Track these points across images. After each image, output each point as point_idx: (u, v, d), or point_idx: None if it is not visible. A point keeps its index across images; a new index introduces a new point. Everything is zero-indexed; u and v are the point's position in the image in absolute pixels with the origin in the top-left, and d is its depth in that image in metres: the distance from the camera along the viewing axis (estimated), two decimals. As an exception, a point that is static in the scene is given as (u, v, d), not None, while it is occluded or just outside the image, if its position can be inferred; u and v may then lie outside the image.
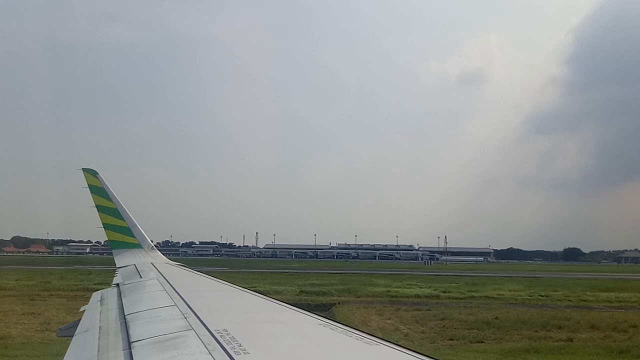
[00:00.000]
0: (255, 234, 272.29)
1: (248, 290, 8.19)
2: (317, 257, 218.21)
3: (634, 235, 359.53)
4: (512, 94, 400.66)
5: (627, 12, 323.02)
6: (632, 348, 25.70)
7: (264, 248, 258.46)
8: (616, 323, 33.66)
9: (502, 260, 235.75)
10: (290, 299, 39.18)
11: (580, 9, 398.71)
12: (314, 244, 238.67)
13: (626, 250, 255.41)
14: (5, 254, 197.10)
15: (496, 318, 34.95)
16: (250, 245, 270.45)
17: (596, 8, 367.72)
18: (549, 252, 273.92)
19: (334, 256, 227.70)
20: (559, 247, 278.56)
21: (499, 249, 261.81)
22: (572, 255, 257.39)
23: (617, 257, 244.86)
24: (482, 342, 28.35)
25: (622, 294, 53.08)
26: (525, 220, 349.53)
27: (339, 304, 42.42)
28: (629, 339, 29.27)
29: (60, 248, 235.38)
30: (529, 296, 50.72)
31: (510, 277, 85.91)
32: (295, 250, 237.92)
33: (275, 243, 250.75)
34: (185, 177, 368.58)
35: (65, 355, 4.47)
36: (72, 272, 74.55)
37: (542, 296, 50.82)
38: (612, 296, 50.88)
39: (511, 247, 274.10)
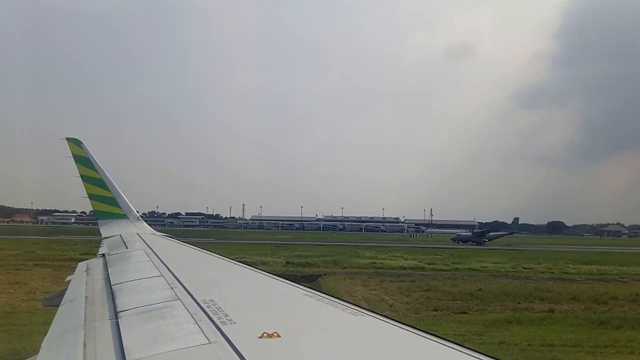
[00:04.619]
0: (242, 206, 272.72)
1: (234, 262, 8.21)
2: (303, 229, 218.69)
3: (616, 209, 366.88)
4: (500, 68, 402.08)
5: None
6: (611, 319, 26.21)
7: (250, 219, 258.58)
8: (597, 295, 34.34)
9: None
10: (276, 270, 39.39)
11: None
12: (300, 215, 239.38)
13: (608, 224, 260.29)
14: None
15: (480, 290, 35.44)
16: (237, 216, 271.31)
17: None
18: (533, 225, 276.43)
19: (320, 228, 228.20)
20: (542, 221, 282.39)
21: (483, 221, 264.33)
22: (555, 228, 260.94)
23: (599, 230, 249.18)
24: (465, 313, 28.78)
25: (603, 266, 54.27)
26: (509, 194, 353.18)
27: (325, 275, 42.83)
28: (609, 310, 29.92)
29: (45, 218, 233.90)
30: (512, 268, 51.49)
31: (494, 249, 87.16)
32: (281, 222, 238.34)
33: (262, 214, 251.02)
34: (172, 148, 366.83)
35: (52, 324, 4.46)
36: (57, 242, 74.11)
37: (525, 268, 51.64)
38: (593, 269, 51.99)
39: (496, 220, 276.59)
